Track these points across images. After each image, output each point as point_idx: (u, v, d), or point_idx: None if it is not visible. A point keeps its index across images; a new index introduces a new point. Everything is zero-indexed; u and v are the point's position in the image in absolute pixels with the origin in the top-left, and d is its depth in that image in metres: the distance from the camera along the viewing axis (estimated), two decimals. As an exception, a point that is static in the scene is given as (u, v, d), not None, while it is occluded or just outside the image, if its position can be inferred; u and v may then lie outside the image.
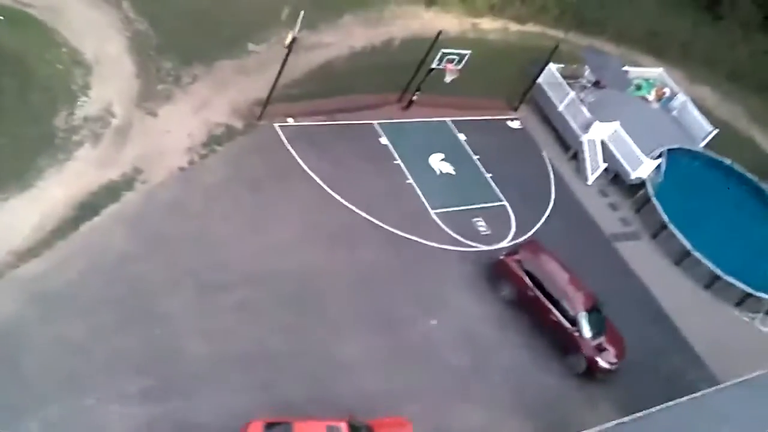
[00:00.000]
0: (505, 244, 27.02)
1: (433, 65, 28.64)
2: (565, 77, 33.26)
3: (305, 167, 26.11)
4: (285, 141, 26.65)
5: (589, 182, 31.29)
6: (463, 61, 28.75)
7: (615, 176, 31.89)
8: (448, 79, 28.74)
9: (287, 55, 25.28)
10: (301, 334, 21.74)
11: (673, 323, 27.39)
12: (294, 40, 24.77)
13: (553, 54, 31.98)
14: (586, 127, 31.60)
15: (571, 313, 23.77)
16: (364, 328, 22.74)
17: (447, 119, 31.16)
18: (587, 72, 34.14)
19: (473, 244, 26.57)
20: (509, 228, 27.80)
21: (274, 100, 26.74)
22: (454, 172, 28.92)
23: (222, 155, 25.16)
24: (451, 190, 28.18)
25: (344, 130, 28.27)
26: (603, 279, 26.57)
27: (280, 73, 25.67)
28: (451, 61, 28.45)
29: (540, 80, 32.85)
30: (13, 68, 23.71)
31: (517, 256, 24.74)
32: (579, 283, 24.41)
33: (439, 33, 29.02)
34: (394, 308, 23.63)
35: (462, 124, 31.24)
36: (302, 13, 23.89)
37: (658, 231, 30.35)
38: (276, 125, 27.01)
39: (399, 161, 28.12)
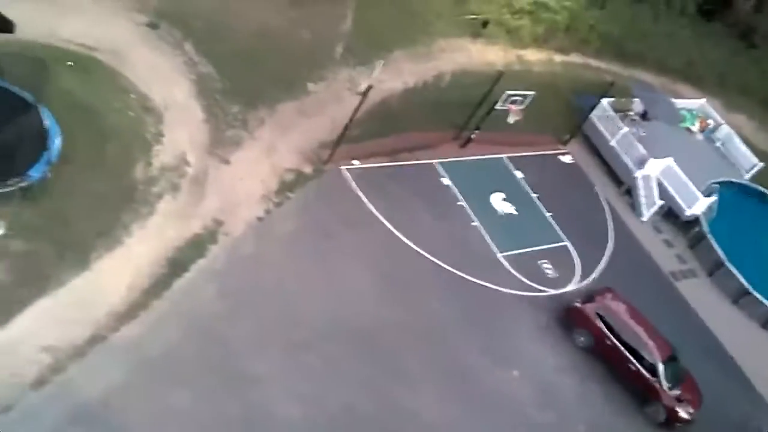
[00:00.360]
0: (572, 287, 27.05)
1: (497, 106, 28.58)
2: (614, 110, 33.35)
3: (374, 211, 26.03)
4: (353, 184, 26.57)
5: (644, 219, 31.36)
6: (526, 102, 28.72)
7: (668, 211, 31.93)
8: (511, 119, 28.81)
9: (361, 102, 25.22)
10: (385, 392, 21.61)
11: (737, 365, 27.49)
12: (369, 87, 24.65)
13: (608, 90, 32.04)
14: (640, 163, 31.64)
15: (650, 362, 23.77)
16: (445, 381, 22.66)
17: (502, 156, 31.16)
18: (635, 105, 34.28)
19: (542, 288, 26.59)
20: (574, 270, 27.83)
21: (336, 141, 26.66)
22: (515, 212, 28.94)
23: (295, 202, 25.05)
24: (515, 231, 28.19)
25: (407, 171, 28.24)
26: (668, 320, 26.57)
27: (351, 119, 25.60)
28: (514, 102, 28.41)
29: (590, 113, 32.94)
30: (87, 117, 23.37)
31: (592, 304, 24.72)
32: (655, 332, 24.45)
33: (501, 74, 29.05)
34: (471, 359, 23.56)
35: (517, 161, 31.26)
36: (381, 62, 23.72)
37: (713, 268, 30.45)
38: (342, 168, 26.90)
39: (462, 202, 28.09)
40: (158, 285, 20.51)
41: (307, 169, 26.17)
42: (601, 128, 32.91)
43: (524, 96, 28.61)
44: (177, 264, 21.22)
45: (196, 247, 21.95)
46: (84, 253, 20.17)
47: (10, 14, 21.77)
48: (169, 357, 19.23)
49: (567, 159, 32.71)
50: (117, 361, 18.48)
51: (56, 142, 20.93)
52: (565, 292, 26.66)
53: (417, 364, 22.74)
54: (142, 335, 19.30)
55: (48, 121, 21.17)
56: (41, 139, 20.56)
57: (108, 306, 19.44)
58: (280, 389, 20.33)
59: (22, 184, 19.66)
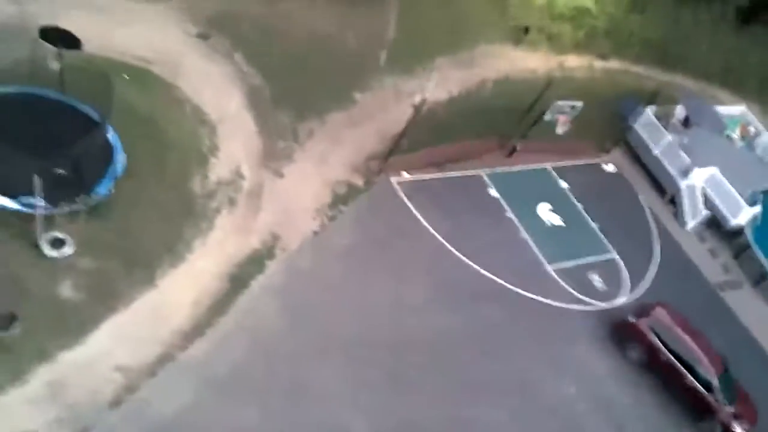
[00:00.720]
0: (622, 300, 27.07)
1: (546, 116, 28.58)
2: (657, 118, 33.28)
3: (426, 224, 26.13)
4: (403, 197, 26.66)
5: (689, 228, 31.30)
6: (575, 112, 28.71)
7: (711, 219, 31.86)
8: (560, 130, 28.79)
9: (414, 115, 25.25)
10: (447, 405, 21.73)
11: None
12: (423, 101, 24.68)
13: (653, 98, 31.98)
14: (684, 172, 31.56)
15: (705, 378, 23.79)
16: (505, 396, 22.69)
17: (547, 165, 31.15)
18: (677, 111, 34.17)
19: (593, 301, 26.61)
20: (623, 282, 27.83)
21: (387, 153, 26.72)
22: (563, 224, 28.93)
23: (348, 215, 25.15)
24: (563, 242, 28.20)
25: (455, 182, 28.31)
26: (715, 332, 26.46)
27: (403, 133, 25.64)
28: (563, 112, 28.38)
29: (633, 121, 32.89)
30: (146, 131, 23.49)
31: (645, 319, 24.74)
32: (708, 346, 24.45)
33: (549, 83, 29.02)
34: (527, 375, 23.60)
35: (561, 171, 31.26)
36: (435, 74, 23.73)
37: (759, 279, 30.38)
38: (392, 180, 26.98)
39: (510, 214, 28.10)
40: (222, 302, 20.67)
41: (359, 182, 26.27)
42: (644, 136, 32.80)
43: (573, 106, 28.55)
44: (238, 280, 21.37)
45: (255, 262, 22.11)
46: (150, 270, 20.36)
47: (64, 26, 21.91)
48: (236, 374, 19.43)
49: (610, 168, 32.68)
50: (187, 380, 18.68)
51: (120, 158, 21.02)
52: (616, 306, 26.56)
53: (477, 378, 22.73)
54: (209, 353, 19.48)
55: (112, 136, 21.24)
56: (107, 155, 20.65)
57: (175, 323, 19.63)
58: (346, 404, 20.45)
59: (90, 201, 19.74)
